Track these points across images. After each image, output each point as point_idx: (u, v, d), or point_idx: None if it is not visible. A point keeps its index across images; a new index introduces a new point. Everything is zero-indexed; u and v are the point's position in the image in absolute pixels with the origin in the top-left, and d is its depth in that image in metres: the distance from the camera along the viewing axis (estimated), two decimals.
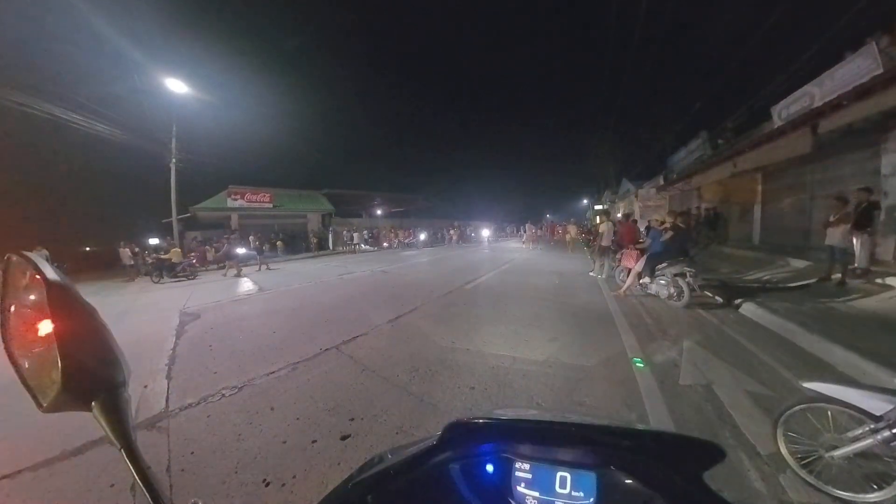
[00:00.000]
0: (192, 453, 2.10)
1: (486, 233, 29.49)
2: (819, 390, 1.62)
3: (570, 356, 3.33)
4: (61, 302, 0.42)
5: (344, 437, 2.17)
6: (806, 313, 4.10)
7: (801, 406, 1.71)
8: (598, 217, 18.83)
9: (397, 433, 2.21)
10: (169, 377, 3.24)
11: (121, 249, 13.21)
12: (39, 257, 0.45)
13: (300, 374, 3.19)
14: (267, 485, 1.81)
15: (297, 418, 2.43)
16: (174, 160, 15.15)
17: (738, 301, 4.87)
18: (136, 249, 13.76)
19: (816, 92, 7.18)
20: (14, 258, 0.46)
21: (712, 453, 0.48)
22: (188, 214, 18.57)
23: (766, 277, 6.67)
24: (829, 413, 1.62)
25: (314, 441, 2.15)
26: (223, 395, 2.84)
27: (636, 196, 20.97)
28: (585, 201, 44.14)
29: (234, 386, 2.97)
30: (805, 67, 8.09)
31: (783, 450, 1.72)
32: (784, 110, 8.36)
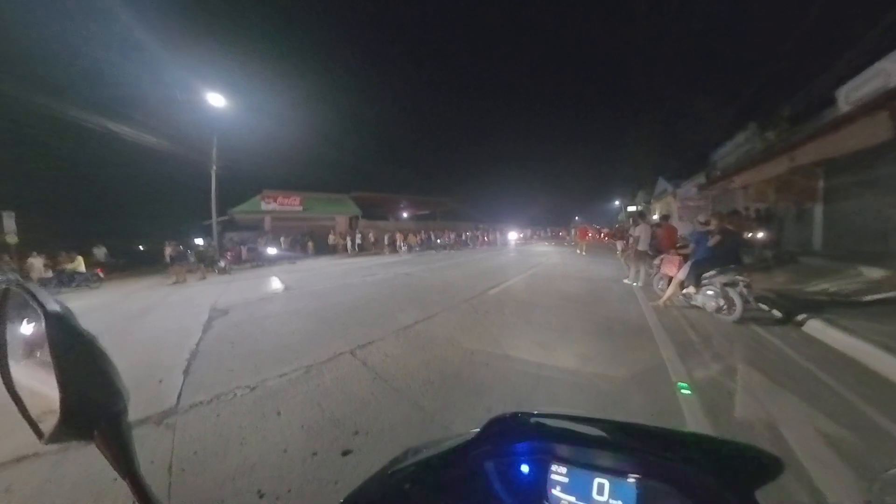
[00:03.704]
0: (195, 453, 2.11)
1: (513, 236, 28.86)
2: None
3: (602, 378, 2.99)
4: (60, 332, 0.42)
5: (345, 453, 2.07)
6: (890, 334, 3.47)
7: None
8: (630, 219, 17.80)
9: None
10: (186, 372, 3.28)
11: (166, 248, 14.23)
12: (38, 287, 0.45)
13: (312, 377, 3.15)
14: (261, 496, 1.74)
15: (302, 426, 2.37)
16: (214, 167, 16.12)
17: (801, 317, 4.26)
18: (181, 248, 14.73)
19: (894, 68, 6.23)
20: (12, 289, 0.46)
21: (770, 466, 0.44)
22: (226, 217, 19.70)
23: (832, 289, 5.84)
24: None
25: (315, 453, 2.07)
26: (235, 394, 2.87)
27: (674, 196, 19.59)
28: (617, 202, 42.06)
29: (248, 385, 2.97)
30: (876, 41, 7.06)
31: None
32: (852, 92, 7.36)
